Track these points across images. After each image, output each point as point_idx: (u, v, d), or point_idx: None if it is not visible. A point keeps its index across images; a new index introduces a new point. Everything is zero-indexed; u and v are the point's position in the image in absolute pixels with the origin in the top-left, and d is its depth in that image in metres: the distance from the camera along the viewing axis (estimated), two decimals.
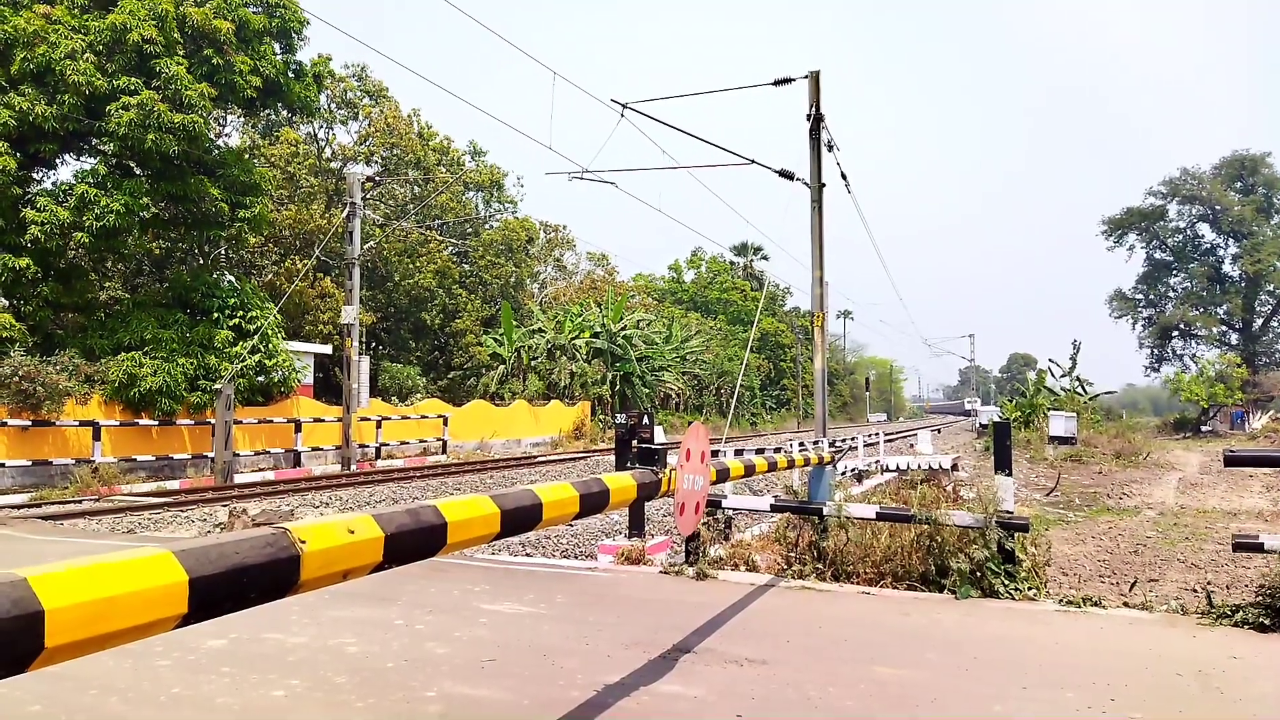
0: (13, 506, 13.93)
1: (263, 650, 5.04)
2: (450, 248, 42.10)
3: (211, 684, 4.42)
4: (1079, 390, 40.65)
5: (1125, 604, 6.62)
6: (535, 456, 28.02)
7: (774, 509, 7.97)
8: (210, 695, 4.25)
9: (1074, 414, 33.04)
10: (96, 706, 4.08)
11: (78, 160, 21.59)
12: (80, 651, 1.56)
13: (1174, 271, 64.24)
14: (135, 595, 1.60)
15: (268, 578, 1.89)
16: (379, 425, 25.36)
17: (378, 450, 25.07)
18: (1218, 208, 59.78)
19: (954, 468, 17.95)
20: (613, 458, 25.01)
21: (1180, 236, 63.64)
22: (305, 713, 4.02)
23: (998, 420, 7.29)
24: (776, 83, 15.63)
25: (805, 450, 9.93)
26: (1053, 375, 42.34)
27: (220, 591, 1.77)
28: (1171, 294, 64.57)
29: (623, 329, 42.92)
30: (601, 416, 39.00)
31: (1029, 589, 6.50)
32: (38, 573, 1.51)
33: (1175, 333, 62.82)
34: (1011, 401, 46.65)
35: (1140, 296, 65.80)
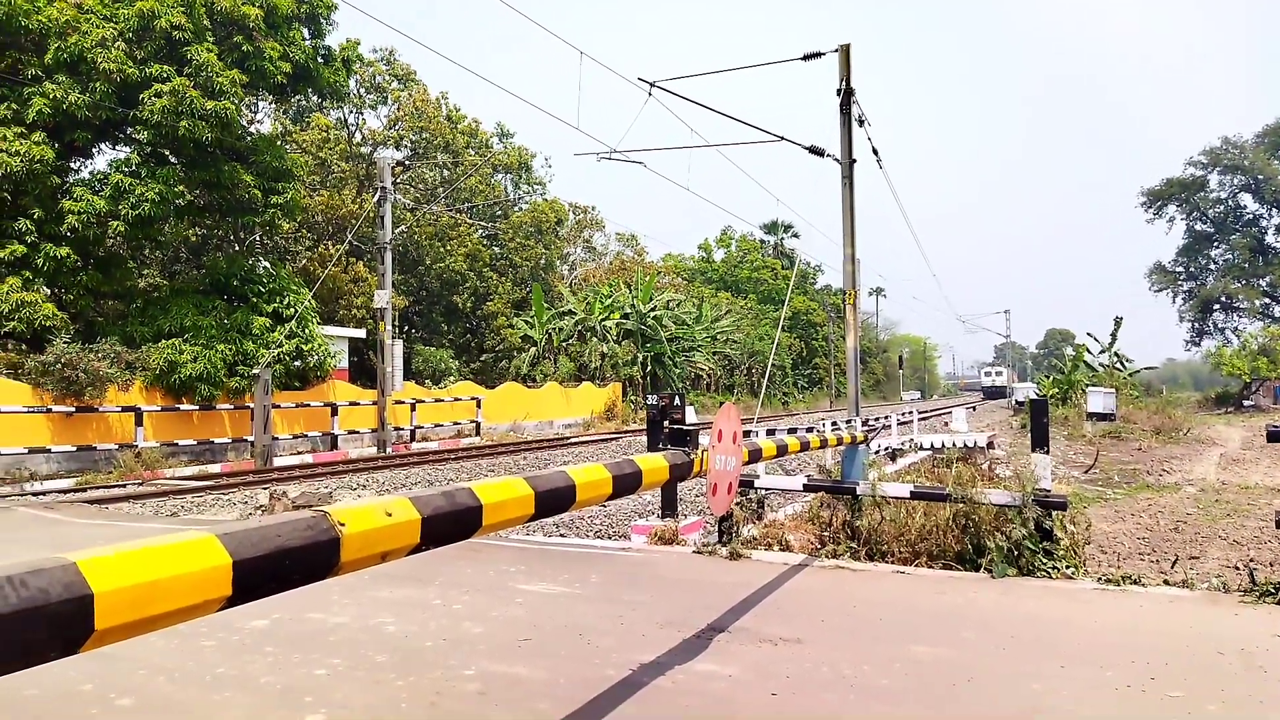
0: (59, 491, 14.28)
1: (304, 630, 5.13)
2: (480, 231, 42.25)
3: (255, 663, 4.51)
4: (1118, 366, 40.05)
5: (1165, 582, 6.53)
6: (567, 438, 28.18)
7: (807, 489, 7.96)
8: (254, 674, 4.34)
9: (1113, 390, 32.57)
10: (145, 686, 4.18)
11: (113, 149, 21.92)
12: (129, 633, 1.60)
13: (1215, 243, 62.94)
14: (181, 578, 1.64)
15: (309, 560, 1.92)
16: (413, 408, 25.61)
17: (412, 433, 25.34)
18: (1260, 177, 58.36)
19: (990, 446, 17.77)
20: (644, 438, 25.08)
21: (1221, 207, 62.27)
22: (347, 691, 4.09)
23: (1035, 397, 7.20)
24: (806, 57, 15.45)
25: (838, 429, 9.89)
26: (1090, 351, 41.75)
27: (263, 574, 1.80)
28: (1213, 266, 63.29)
29: (652, 309, 42.88)
30: (633, 397, 39.08)
31: (1067, 567, 6.44)
32: (86, 556, 1.55)
33: (1216, 306, 61.62)
34: (1049, 378, 46.14)
35: (1180, 269, 64.57)
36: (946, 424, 28.26)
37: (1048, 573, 6.36)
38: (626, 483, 3.67)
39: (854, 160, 15.47)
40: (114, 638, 1.57)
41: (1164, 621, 5.30)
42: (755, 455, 5.97)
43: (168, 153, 20.33)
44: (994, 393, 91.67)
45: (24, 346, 18.14)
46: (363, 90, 38.55)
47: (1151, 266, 65.79)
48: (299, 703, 3.94)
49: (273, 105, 34.29)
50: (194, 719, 3.81)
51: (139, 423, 18.00)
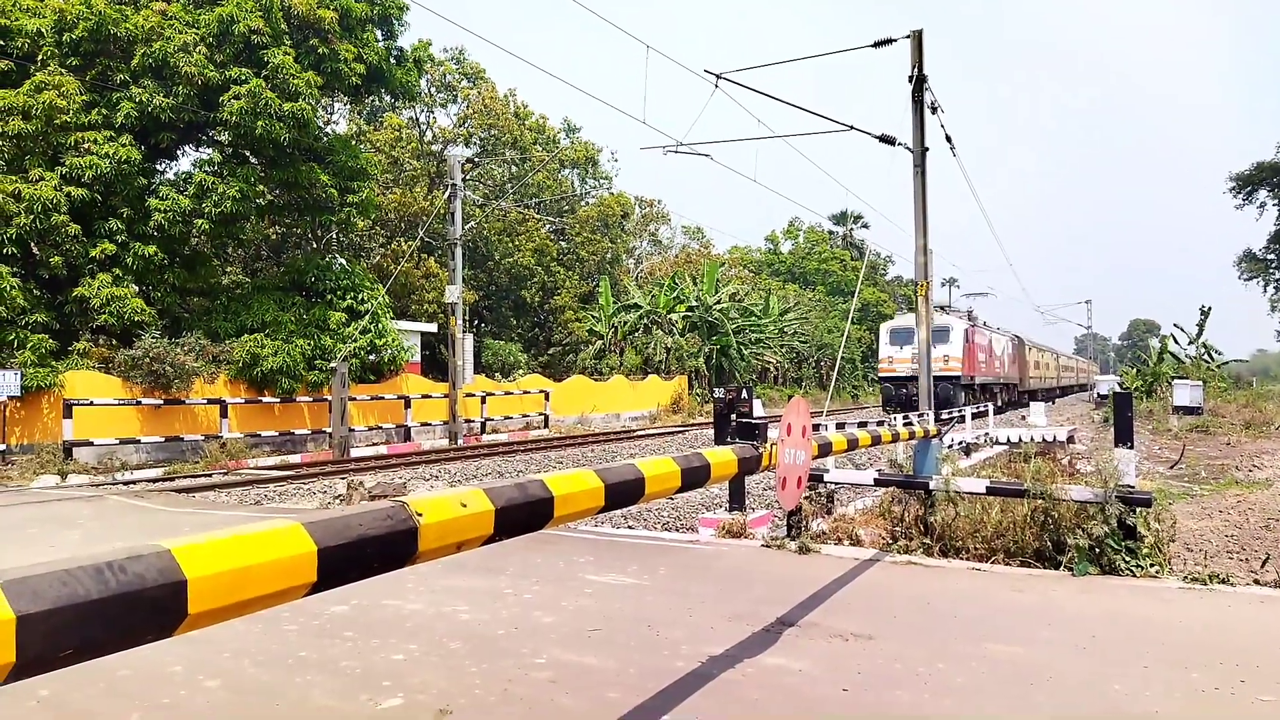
0: (148, 480, 14.89)
1: (382, 616, 5.26)
2: (548, 225, 42.63)
3: (335, 647, 4.65)
4: (1205, 358, 38.56)
5: (1256, 581, 6.28)
6: (634, 430, 28.26)
7: (878, 483, 7.85)
8: (335, 658, 4.47)
9: (1200, 382, 31.33)
10: (232, 669, 4.35)
11: (196, 150, 22.72)
12: (220, 618, 1.66)
13: None
14: (269, 565, 1.70)
15: (388, 549, 1.97)
16: (483, 401, 25.99)
17: (483, 425, 25.72)
18: None
19: (1070, 440, 17.27)
20: (711, 431, 25.03)
21: None
22: (423, 676, 4.19)
23: (1118, 390, 6.98)
24: (876, 44, 15.20)
25: (910, 423, 9.72)
26: (1176, 342, 40.27)
27: (346, 561, 1.86)
28: None
29: (718, 301, 42.71)
30: (699, 390, 38.99)
31: (1151, 566, 6.23)
32: (180, 544, 1.61)
33: None
34: (1133, 370, 44.69)
35: (1272, 257, 61.55)
36: (1024, 418, 27.55)
37: (1131, 571, 6.17)
38: (695, 476, 3.67)
39: (926, 148, 15.16)
40: (206, 622, 1.63)
41: (1254, 622, 5.09)
42: (825, 449, 5.91)
43: (248, 153, 20.98)
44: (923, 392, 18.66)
45: (114, 341, 18.94)
46: (433, 89, 39.19)
47: (1241, 254, 62.87)
48: (378, 686, 4.05)
49: (348, 106, 35.10)
50: (278, 700, 3.94)
51: (224, 414, 18.65)
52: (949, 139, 16.26)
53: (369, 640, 4.78)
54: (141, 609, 1.51)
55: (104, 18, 18.61)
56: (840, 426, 14.14)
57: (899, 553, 6.99)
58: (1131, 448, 6.51)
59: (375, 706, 3.82)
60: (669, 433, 26.96)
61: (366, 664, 4.38)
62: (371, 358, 22.66)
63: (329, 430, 20.08)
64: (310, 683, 4.14)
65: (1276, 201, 60.16)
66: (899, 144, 15.37)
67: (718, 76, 15.00)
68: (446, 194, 24.35)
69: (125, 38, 18.97)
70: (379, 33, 23.20)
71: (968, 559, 6.79)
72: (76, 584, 1.42)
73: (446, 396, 23.96)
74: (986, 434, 18.25)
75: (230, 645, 4.64)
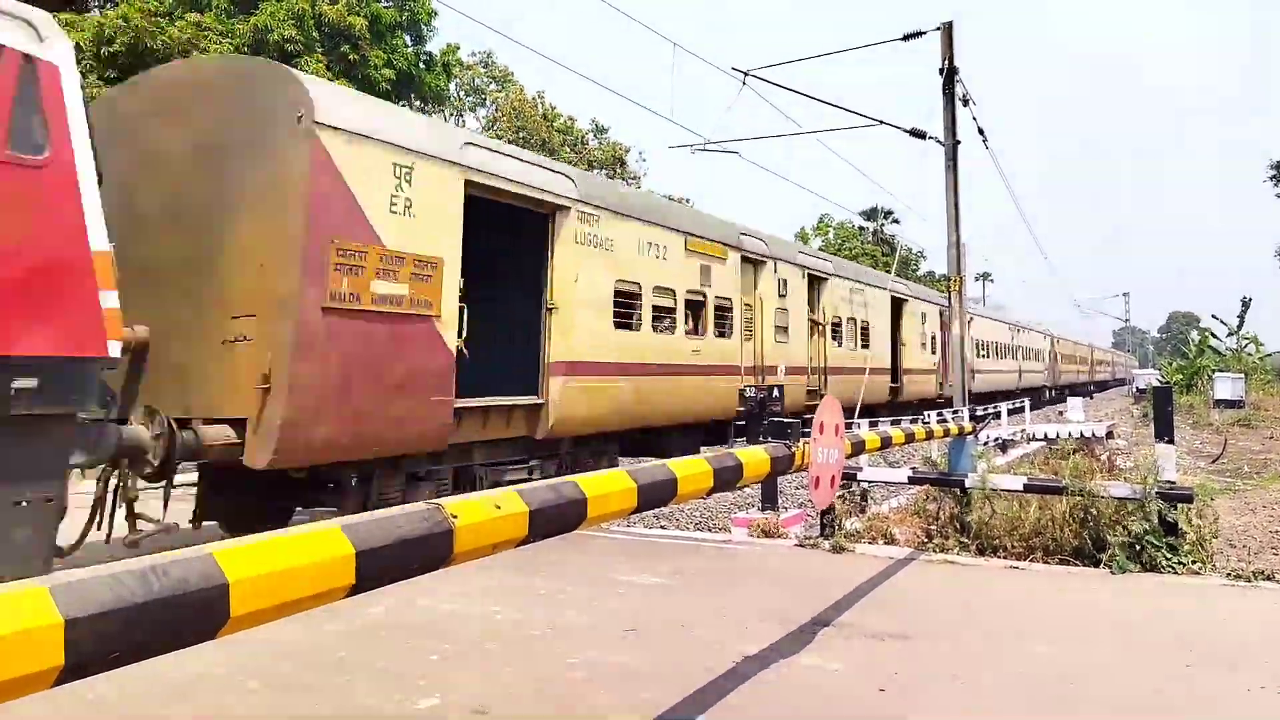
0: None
1: (417, 617, 5.31)
2: None
3: (372, 648, 4.70)
4: (1247, 350, 37.79)
5: None
6: None
7: (912, 481, 7.79)
8: (372, 659, 4.52)
9: (1241, 375, 30.68)
10: (271, 669, 4.41)
11: None
12: (261, 620, 1.69)
13: None
14: (309, 567, 1.73)
15: (425, 551, 2.00)
16: None
17: None
18: None
19: (1109, 435, 17.00)
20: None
21: None
22: (459, 675, 4.22)
23: (1157, 384, 6.89)
24: (905, 37, 15.06)
25: (944, 420, 9.64)
26: (1215, 336, 39.50)
27: (384, 564, 1.89)
28: None
29: None
30: None
31: (1193, 563, 6.12)
32: (221, 548, 1.64)
33: None
34: (1172, 364, 43.94)
35: None
36: (1061, 413, 27.17)
37: (1172, 568, 6.07)
38: (727, 476, 3.67)
39: (958, 142, 15.01)
40: (248, 624, 1.67)
41: None
42: (858, 448, 5.88)
43: None
44: None
45: None
46: (463, 93, 39.45)
47: None
48: (414, 686, 4.09)
49: None
50: (318, 700, 4.00)
51: None
52: (981, 131, 16.08)
53: (405, 641, 4.82)
54: (185, 612, 1.54)
55: (141, 31, 18.95)
56: (874, 424, 14.04)
57: (934, 551, 6.93)
58: (1172, 443, 6.41)
59: (413, 706, 3.86)
60: None
61: (403, 664, 4.43)
62: None
63: None
64: (349, 683, 4.19)
65: None
66: (930, 138, 15.22)
67: (745, 73, 14.96)
68: None
69: (162, 50, 19.29)
70: (408, 38, 23.44)
71: (1005, 557, 6.72)
72: (122, 587, 1.46)
73: None
74: (1023, 430, 18.02)
75: (270, 647, 4.70)
